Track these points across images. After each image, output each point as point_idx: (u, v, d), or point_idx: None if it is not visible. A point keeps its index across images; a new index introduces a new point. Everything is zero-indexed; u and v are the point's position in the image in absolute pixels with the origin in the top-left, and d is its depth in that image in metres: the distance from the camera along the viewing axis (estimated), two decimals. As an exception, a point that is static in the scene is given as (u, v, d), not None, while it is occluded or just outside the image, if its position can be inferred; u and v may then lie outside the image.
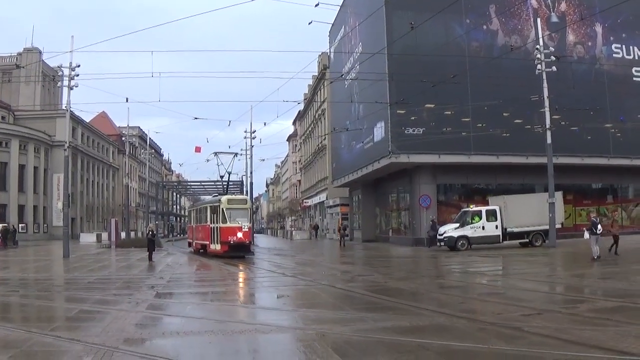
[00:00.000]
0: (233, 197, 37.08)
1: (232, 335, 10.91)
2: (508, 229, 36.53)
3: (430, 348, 9.29)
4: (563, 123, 39.92)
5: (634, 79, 45.27)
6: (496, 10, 42.56)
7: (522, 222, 36.63)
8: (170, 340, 10.57)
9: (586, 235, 28.12)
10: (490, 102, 39.42)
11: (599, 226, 26.60)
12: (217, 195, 40.46)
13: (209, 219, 36.25)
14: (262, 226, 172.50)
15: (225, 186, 43.06)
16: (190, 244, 45.96)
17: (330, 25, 60.13)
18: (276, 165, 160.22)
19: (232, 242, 32.91)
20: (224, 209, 33.61)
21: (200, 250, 39.10)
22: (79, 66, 36.41)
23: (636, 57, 45.63)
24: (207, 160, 48.50)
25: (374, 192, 55.98)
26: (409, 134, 40.58)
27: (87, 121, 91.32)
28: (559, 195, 37.51)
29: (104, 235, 61.19)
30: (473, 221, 36.48)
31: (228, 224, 33.31)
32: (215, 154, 40.19)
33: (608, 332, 9.96)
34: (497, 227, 36.29)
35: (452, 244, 35.91)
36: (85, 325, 11.98)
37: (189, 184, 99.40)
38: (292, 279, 21.78)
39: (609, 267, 23.40)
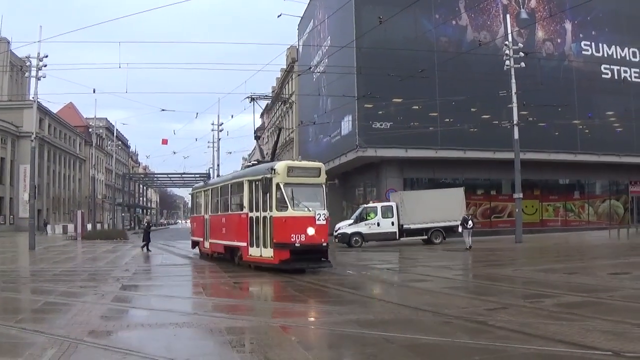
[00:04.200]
0: (297, 163, 21.38)
1: (197, 327, 10.86)
2: (405, 226, 36.52)
3: (395, 341, 9.32)
4: (531, 119, 40.30)
5: (603, 76, 46.04)
6: (466, 6, 42.83)
7: (420, 219, 36.44)
8: (135, 332, 10.52)
9: (460, 229, 31.70)
10: (458, 97, 39.67)
11: (470, 222, 31.22)
12: (259, 162, 24.36)
13: (247, 202, 21.30)
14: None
15: (273, 149, 27.80)
16: (195, 244, 31.21)
17: (300, 18, 60.17)
18: (243, 158, 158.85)
19: (297, 244, 19.23)
20: (282, 185, 19.52)
21: (219, 255, 25.86)
22: (46, 56, 36.04)
23: (605, 55, 46.32)
24: (174, 153, 47.50)
25: (341, 186, 55.97)
26: (376, 128, 40.74)
27: (55, 112, 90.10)
28: (460, 191, 38.06)
29: (70, 227, 60.69)
30: (368, 217, 36.80)
31: (290, 212, 19.45)
32: (252, 98, 29.16)
33: (574, 327, 10.04)
34: (393, 223, 36.44)
35: (346, 240, 36.30)
36: (50, 317, 11.89)
37: (155, 176, 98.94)
38: (257, 273, 21.52)
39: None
